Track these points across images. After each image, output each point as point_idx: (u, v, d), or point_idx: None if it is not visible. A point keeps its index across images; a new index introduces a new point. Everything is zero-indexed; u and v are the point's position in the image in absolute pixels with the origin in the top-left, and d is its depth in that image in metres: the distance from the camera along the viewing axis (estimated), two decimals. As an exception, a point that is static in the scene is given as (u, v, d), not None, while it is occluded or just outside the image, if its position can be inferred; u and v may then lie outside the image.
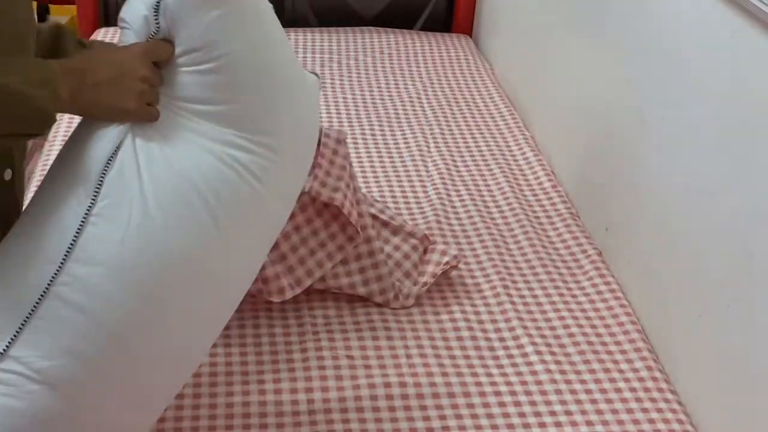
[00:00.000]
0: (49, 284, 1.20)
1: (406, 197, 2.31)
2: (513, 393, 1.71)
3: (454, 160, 2.48)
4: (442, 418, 1.65)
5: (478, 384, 1.72)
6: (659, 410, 1.68)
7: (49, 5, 3.59)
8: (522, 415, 1.66)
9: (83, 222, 1.21)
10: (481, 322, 1.89)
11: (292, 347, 1.79)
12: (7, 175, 1.30)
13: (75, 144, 1.28)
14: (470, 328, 1.87)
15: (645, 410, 1.68)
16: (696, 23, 1.74)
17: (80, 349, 1.21)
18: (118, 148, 1.24)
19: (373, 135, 2.60)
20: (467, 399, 1.69)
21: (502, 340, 1.85)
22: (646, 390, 1.73)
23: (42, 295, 1.20)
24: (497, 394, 1.70)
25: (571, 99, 2.40)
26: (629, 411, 1.68)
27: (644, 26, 1.96)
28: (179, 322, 1.29)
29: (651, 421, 1.66)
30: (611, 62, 2.14)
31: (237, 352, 1.77)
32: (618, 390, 1.73)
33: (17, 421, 1.19)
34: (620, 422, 1.65)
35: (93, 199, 1.22)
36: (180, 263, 1.25)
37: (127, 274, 1.22)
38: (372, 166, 2.44)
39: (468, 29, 3.35)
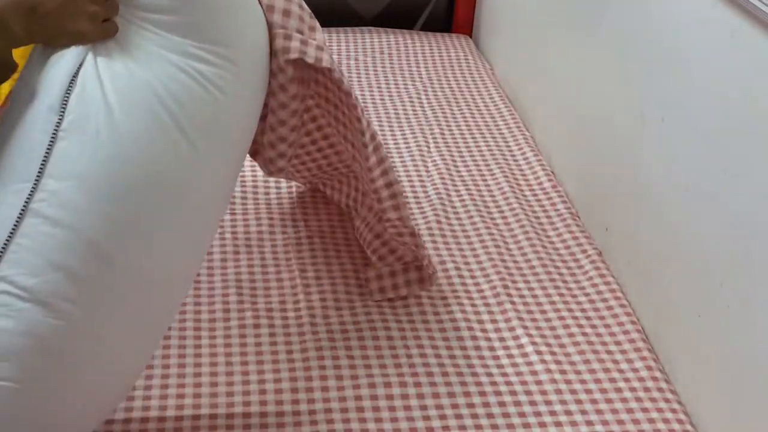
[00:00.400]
0: (26, 202, 1.23)
1: (406, 197, 2.31)
2: (513, 393, 1.71)
3: (454, 160, 2.48)
4: (442, 418, 1.65)
5: (478, 384, 1.73)
6: (659, 410, 1.68)
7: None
8: (522, 415, 1.66)
9: (53, 138, 1.24)
10: (481, 322, 1.89)
11: (292, 347, 1.79)
12: None
13: (36, 69, 1.31)
14: (470, 328, 1.87)
15: (645, 410, 1.68)
16: (696, 23, 1.74)
17: (64, 263, 1.22)
18: (79, 67, 1.28)
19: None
20: (467, 399, 1.69)
21: (502, 340, 1.85)
22: (646, 390, 1.73)
23: (21, 214, 1.22)
24: (497, 394, 1.70)
25: (571, 99, 2.40)
26: (629, 411, 1.68)
27: (644, 26, 1.96)
28: (157, 231, 1.32)
29: (651, 421, 1.66)
30: (611, 62, 2.14)
31: (237, 352, 1.77)
32: (618, 390, 1.73)
33: (11, 339, 1.20)
34: (620, 422, 1.65)
35: (60, 116, 1.25)
36: (150, 170, 1.28)
37: (100, 184, 1.25)
38: (372, 166, 2.44)
39: (468, 29, 3.35)
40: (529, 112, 2.72)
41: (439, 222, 2.20)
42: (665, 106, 1.85)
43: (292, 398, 1.67)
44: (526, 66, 2.80)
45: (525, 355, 1.80)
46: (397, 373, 1.74)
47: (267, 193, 2.26)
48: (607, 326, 1.89)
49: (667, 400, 1.71)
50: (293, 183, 2.31)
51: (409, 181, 2.38)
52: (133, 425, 1.59)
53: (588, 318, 1.92)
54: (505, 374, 1.75)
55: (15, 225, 1.22)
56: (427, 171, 2.42)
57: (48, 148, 1.24)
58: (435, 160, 2.46)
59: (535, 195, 2.35)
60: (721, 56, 1.64)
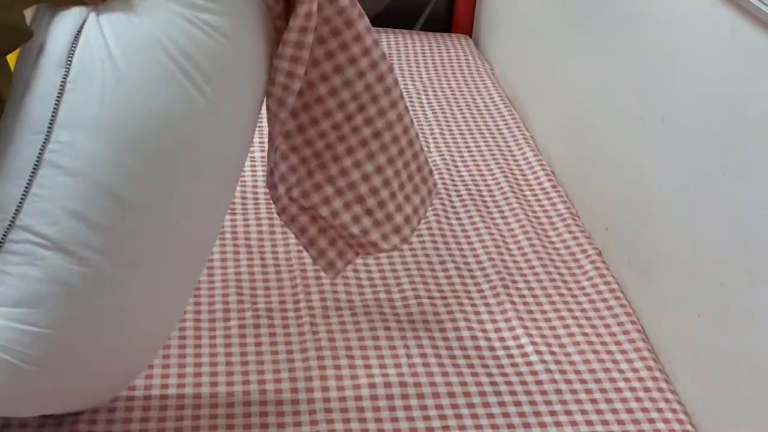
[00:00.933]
0: (40, 153, 1.25)
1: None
2: (513, 393, 1.71)
3: (454, 160, 2.48)
4: (442, 417, 1.65)
5: (478, 384, 1.73)
6: (659, 410, 1.68)
7: (49, 5, 3.60)
8: (522, 415, 1.66)
9: (60, 90, 1.26)
10: (481, 322, 1.89)
11: (292, 347, 1.79)
12: None
13: (42, 27, 1.33)
14: (470, 328, 1.87)
15: (645, 410, 1.68)
16: (696, 23, 1.74)
17: (82, 211, 1.25)
18: (83, 23, 1.30)
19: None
20: (467, 399, 1.69)
21: (502, 340, 1.85)
22: (646, 390, 1.73)
23: (35, 165, 1.25)
24: (497, 394, 1.70)
25: (571, 99, 2.40)
26: (629, 411, 1.68)
27: (644, 26, 1.97)
28: (175, 177, 1.33)
29: (651, 421, 1.66)
30: (611, 62, 2.14)
31: (237, 352, 1.77)
32: (618, 390, 1.73)
33: (37, 286, 1.23)
34: (620, 422, 1.65)
35: (66, 69, 1.27)
36: (161, 117, 1.30)
37: (110, 132, 1.27)
38: (372, 166, 2.44)
39: (468, 29, 3.35)
40: (529, 112, 2.72)
41: (439, 222, 2.20)
42: (665, 106, 1.85)
43: (292, 398, 1.67)
44: (526, 66, 2.81)
45: (525, 355, 1.80)
46: (397, 373, 1.74)
47: (267, 193, 2.26)
48: (607, 326, 1.89)
49: (667, 400, 1.71)
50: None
51: (409, 181, 2.38)
52: (133, 425, 1.59)
53: (588, 318, 1.92)
54: (505, 374, 1.75)
55: (31, 176, 1.25)
56: (427, 171, 2.42)
57: (57, 100, 1.26)
58: (435, 160, 2.46)
59: (535, 195, 2.35)
60: (721, 56, 1.64)
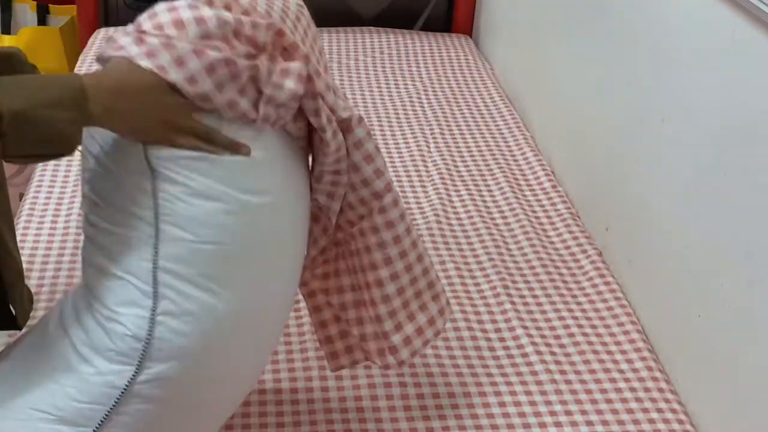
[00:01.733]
0: (127, 385, 1.22)
1: (406, 197, 2.31)
2: (513, 393, 1.71)
3: (454, 160, 2.48)
4: (442, 418, 1.65)
5: (478, 384, 1.73)
6: (659, 410, 1.68)
7: (49, 5, 3.59)
8: (522, 415, 1.66)
9: (151, 323, 1.22)
10: (481, 322, 1.89)
11: (292, 347, 1.79)
12: None
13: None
14: (470, 328, 1.87)
15: (645, 410, 1.68)
16: (696, 23, 1.74)
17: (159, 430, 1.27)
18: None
19: (373, 135, 2.60)
20: (467, 399, 1.69)
21: (502, 340, 1.85)
22: (646, 390, 1.73)
23: (121, 395, 1.22)
24: (497, 394, 1.70)
25: (571, 99, 2.40)
26: (629, 411, 1.68)
27: (644, 26, 1.97)
28: (242, 366, 1.37)
29: (651, 421, 1.66)
30: (611, 62, 2.14)
31: (237, 352, 1.77)
32: (618, 390, 1.73)
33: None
34: (620, 422, 1.65)
35: (154, 302, 1.22)
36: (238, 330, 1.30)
37: (197, 360, 1.26)
38: (372, 166, 2.44)
39: (468, 29, 3.35)
40: (529, 112, 2.72)
41: (439, 222, 2.20)
42: (665, 106, 1.85)
43: (292, 398, 1.67)
44: (526, 66, 2.81)
45: (525, 355, 1.80)
46: (397, 373, 1.74)
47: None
48: (607, 326, 1.89)
49: (667, 400, 1.71)
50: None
51: (409, 181, 2.38)
52: (133, 425, 1.59)
53: (588, 318, 1.92)
54: (505, 374, 1.75)
55: (115, 403, 1.23)
56: (427, 171, 2.42)
57: (148, 333, 1.22)
58: (435, 160, 2.46)
59: (535, 195, 2.35)
60: (721, 57, 1.64)
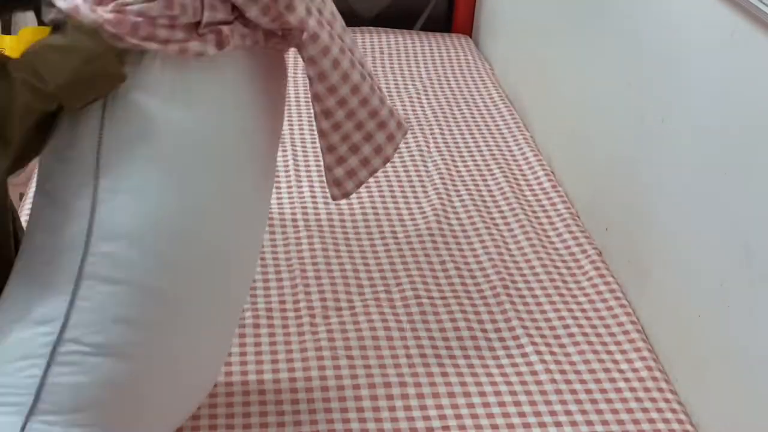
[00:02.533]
0: (80, 267, 1.27)
1: (406, 197, 2.31)
2: (513, 393, 1.71)
3: (454, 160, 2.48)
4: (442, 418, 1.65)
5: (478, 384, 1.73)
6: (659, 410, 1.68)
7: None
8: (522, 415, 1.66)
9: (93, 202, 1.28)
10: (481, 322, 1.89)
11: (292, 347, 1.79)
12: None
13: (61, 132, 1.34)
14: (470, 328, 1.87)
15: (645, 410, 1.68)
16: (696, 23, 1.74)
17: (127, 316, 1.29)
18: (101, 130, 1.31)
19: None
20: (467, 399, 1.69)
21: (502, 340, 1.85)
22: (646, 390, 1.73)
23: (77, 279, 1.27)
24: (497, 394, 1.70)
25: (571, 99, 2.40)
26: (629, 411, 1.68)
27: (644, 26, 1.97)
28: (211, 263, 1.37)
29: (651, 421, 1.66)
30: (611, 62, 2.14)
31: (237, 352, 1.77)
32: (618, 390, 1.73)
33: (92, 392, 1.28)
34: (620, 422, 1.65)
35: (95, 180, 1.28)
36: (193, 212, 1.34)
37: (147, 237, 1.30)
38: (372, 166, 2.44)
39: (468, 29, 3.35)
40: (529, 112, 2.72)
41: (439, 222, 2.20)
42: (665, 106, 1.85)
43: (292, 398, 1.67)
44: (526, 66, 2.81)
45: (525, 355, 1.80)
46: (397, 373, 1.74)
47: (267, 193, 2.26)
48: (607, 326, 1.89)
49: (667, 400, 1.71)
50: (293, 183, 2.31)
51: (409, 181, 2.38)
52: (133, 425, 1.59)
53: (588, 318, 1.92)
54: (505, 374, 1.75)
55: (74, 290, 1.27)
56: (427, 171, 2.42)
57: (91, 213, 1.28)
58: (435, 160, 2.46)
59: (535, 195, 2.35)
60: (721, 56, 1.64)
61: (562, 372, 1.77)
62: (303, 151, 2.47)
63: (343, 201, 2.22)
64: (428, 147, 2.54)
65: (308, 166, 2.40)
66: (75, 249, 1.28)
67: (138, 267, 1.29)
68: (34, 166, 2.45)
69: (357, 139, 1.54)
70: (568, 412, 1.67)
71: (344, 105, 1.50)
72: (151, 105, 1.31)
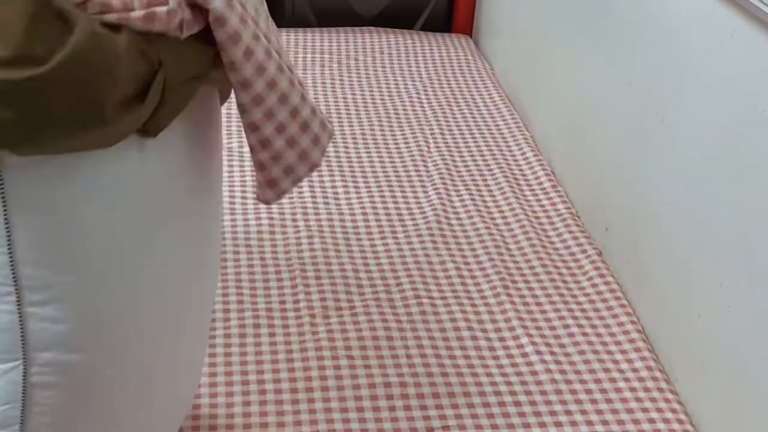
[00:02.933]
0: (24, 380, 1.18)
1: (406, 197, 2.31)
2: (513, 393, 1.71)
3: (454, 160, 2.48)
4: (442, 418, 1.65)
5: (478, 384, 1.73)
6: (659, 410, 1.68)
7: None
8: (522, 415, 1.66)
9: (21, 317, 1.15)
10: (481, 322, 1.89)
11: (292, 347, 1.79)
12: None
13: None
14: (470, 328, 1.87)
15: (645, 410, 1.68)
16: (696, 23, 1.74)
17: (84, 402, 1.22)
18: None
19: (373, 135, 2.60)
20: (467, 399, 1.69)
21: (502, 340, 1.85)
22: (646, 390, 1.73)
23: (24, 390, 1.18)
24: (497, 394, 1.71)
25: (571, 99, 2.40)
26: (629, 411, 1.68)
27: (644, 26, 1.97)
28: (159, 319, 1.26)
29: (651, 420, 1.66)
30: (611, 62, 2.14)
31: (237, 352, 1.77)
32: (618, 390, 1.73)
33: None
34: (620, 422, 1.65)
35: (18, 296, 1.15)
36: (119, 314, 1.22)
37: (81, 342, 1.19)
38: (372, 166, 2.44)
39: (468, 29, 3.35)
40: (529, 112, 2.72)
41: (439, 222, 2.20)
42: (665, 106, 1.85)
43: (292, 398, 1.67)
44: (526, 66, 2.81)
45: (525, 355, 1.80)
46: (397, 373, 1.74)
47: (267, 193, 2.26)
48: (607, 326, 1.89)
49: (667, 400, 1.71)
50: (293, 183, 2.31)
51: (409, 181, 2.38)
52: (133, 425, 1.59)
53: (588, 318, 1.92)
54: (505, 374, 1.75)
55: (23, 400, 1.19)
56: (427, 171, 2.42)
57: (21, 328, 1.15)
58: (435, 160, 2.46)
59: (535, 195, 2.35)
60: (721, 56, 1.64)
61: (562, 372, 1.77)
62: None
63: (343, 201, 2.22)
64: (428, 147, 2.54)
65: (308, 166, 2.40)
66: (13, 361, 1.16)
67: (80, 368, 1.19)
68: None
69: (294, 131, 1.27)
70: (568, 412, 1.67)
71: (268, 96, 1.24)
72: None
